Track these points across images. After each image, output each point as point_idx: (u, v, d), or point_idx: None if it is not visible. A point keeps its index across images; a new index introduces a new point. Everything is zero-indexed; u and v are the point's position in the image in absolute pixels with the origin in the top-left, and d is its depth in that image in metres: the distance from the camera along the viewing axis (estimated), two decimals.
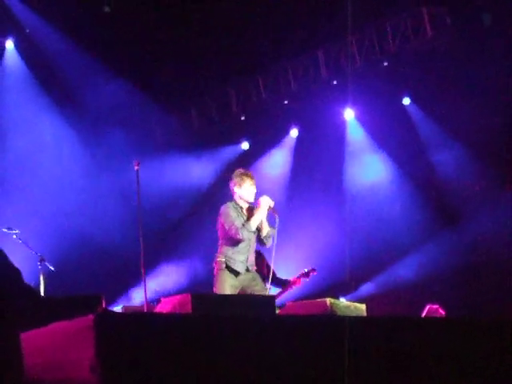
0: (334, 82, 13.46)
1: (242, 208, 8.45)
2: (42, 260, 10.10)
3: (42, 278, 9.89)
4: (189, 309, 6.31)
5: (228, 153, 14.90)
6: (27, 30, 12.99)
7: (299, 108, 14.11)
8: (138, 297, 12.65)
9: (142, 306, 9.24)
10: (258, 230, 8.44)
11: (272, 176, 14.26)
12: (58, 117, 13.43)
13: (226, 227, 8.31)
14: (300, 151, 14.47)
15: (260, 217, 8.33)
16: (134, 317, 5.34)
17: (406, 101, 13.36)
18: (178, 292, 11.92)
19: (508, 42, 11.53)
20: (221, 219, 8.40)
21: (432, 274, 12.52)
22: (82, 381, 4.60)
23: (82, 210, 13.49)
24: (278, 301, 9.56)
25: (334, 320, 6.04)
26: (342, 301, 9.40)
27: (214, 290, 8.32)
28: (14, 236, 10.06)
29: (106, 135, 13.38)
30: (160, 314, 6.04)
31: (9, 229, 10.10)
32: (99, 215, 13.54)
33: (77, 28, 12.76)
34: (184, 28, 13.03)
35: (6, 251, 5.05)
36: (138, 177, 8.78)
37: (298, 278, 9.78)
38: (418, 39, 12.38)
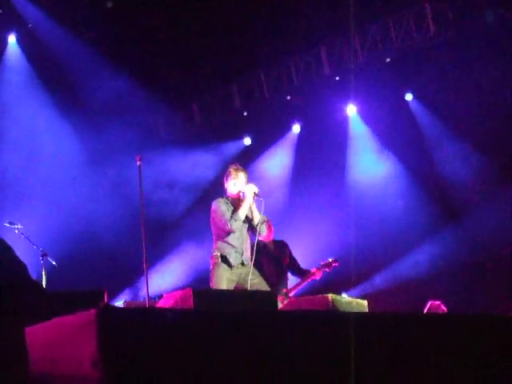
0: (337, 78, 13.47)
1: (233, 202, 8.45)
2: (44, 255, 10.12)
3: (44, 273, 9.91)
4: (190, 304, 6.32)
5: (230, 148, 14.91)
6: (29, 25, 12.98)
7: (301, 104, 14.12)
8: (140, 292, 12.66)
9: (144, 301, 9.24)
10: (249, 219, 8.42)
11: (274, 172, 14.28)
12: (59, 112, 13.42)
13: (217, 221, 8.32)
14: (302, 147, 14.48)
15: (247, 204, 8.28)
16: (136, 312, 5.33)
17: (409, 96, 13.37)
18: (181, 287, 11.93)
19: (510, 38, 11.52)
20: (212, 214, 8.41)
21: (434, 270, 12.53)
22: (84, 375, 4.61)
23: (85, 205, 13.50)
24: (295, 292, 9.59)
25: (336, 316, 6.04)
26: (344, 297, 9.42)
27: (211, 284, 8.28)
28: (16, 231, 10.08)
29: (108, 130, 13.37)
30: (162, 309, 6.04)
31: (11, 223, 10.12)
32: (102, 210, 13.54)
33: (79, 23, 12.76)
34: (186, 24, 13.01)
35: None
36: (140, 172, 8.78)
37: (319, 269, 9.71)
38: (421, 35, 12.38)
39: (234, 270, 8.27)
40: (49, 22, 12.77)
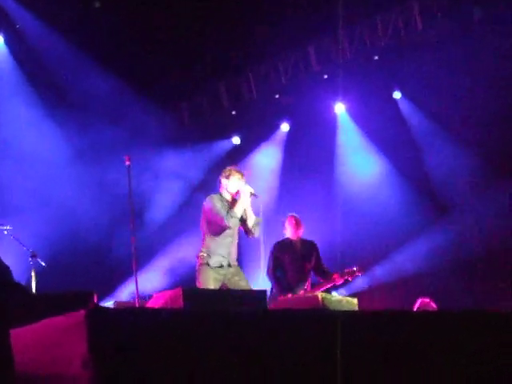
0: (325, 76, 13.47)
1: (227, 200, 8.43)
2: (33, 256, 10.08)
3: (33, 274, 9.88)
4: (180, 303, 6.30)
5: (219, 148, 14.90)
6: (17, 26, 12.95)
7: (290, 102, 14.12)
8: (129, 292, 12.64)
9: (134, 302, 9.23)
10: (244, 220, 8.40)
11: (263, 170, 14.27)
12: (47, 112, 13.38)
13: (211, 217, 8.28)
14: (291, 145, 14.48)
15: (243, 203, 8.28)
16: (126, 312, 5.32)
17: (397, 94, 13.37)
18: (170, 288, 11.91)
19: (498, 35, 11.54)
20: (205, 210, 8.37)
21: (424, 268, 12.54)
22: (74, 376, 4.60)
23: (74, 205, 13.47)
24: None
25: (326, 314, 6.04)
26: (334, 295, 9.42)
27: (197, 284, 8.26)
28: (6, 232, 10.05)
29: (97, 131, 13.34)
30: (152, 309, 6.03)
31: (0, 224, 10.08)
32: (91, 211, 13.52)
33: (67, 24, 12.73)
34: (174, 23, 13.00)
35: None
36: (129, 172, 8.77)
37: (341, 276, 9.84)
38: (409, 32, 12.40)
39: (220, 270, 8.26)
40: (37, 22, 12.74)
